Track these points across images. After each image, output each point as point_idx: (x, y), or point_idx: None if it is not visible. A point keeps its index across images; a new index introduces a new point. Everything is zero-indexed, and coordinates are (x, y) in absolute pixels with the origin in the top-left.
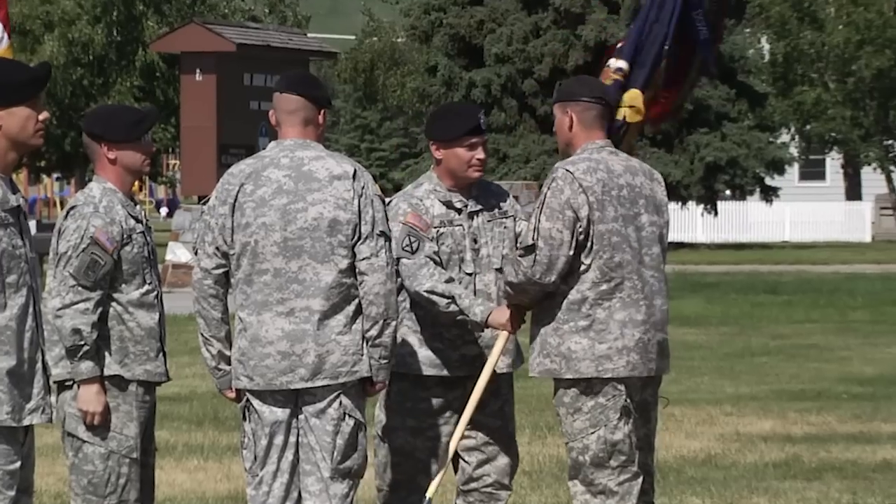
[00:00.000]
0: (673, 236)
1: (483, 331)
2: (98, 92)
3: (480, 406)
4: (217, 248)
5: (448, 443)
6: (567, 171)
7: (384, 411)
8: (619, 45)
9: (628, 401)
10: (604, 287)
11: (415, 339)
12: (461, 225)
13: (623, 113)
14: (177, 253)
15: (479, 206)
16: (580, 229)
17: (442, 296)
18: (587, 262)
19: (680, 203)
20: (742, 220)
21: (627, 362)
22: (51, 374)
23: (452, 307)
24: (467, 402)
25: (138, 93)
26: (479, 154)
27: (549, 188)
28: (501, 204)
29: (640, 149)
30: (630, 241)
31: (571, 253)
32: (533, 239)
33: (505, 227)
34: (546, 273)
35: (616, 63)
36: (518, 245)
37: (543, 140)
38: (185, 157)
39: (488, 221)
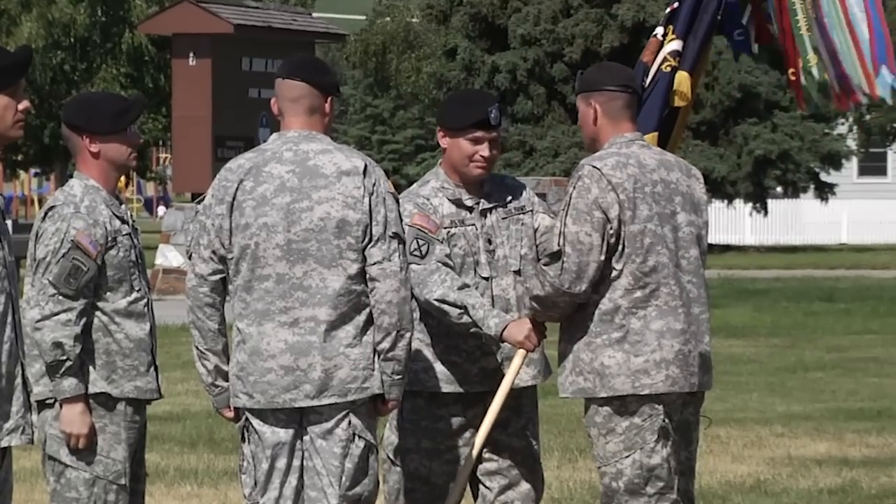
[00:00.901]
0: (718, 238)
1: (499, 345)
2: (80, 78)
3: (501, 425)
4: (213, 252)
5: (465, 467)
6: (593, 167)
7: (396, 432)
8: (671, 9)
9: (667, 421)
10: (638, 294)
11: (428, 353)
12: (473, 224)
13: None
14: (168, 256)
15: (493, 203)
16: (610, 231)
17: (454, 305)
18: (619, 267)
19: (726, 201)
20: (794, 220)
21: (667, 377)
22: (31, 391)
23: (465, 318)
24: None
25: (125, 79)
26: (484, 151)
27: (574, 187)
28: (517, 198)
29: (682, 141)
30: (666, 243)
31: (602, 258)
32: (559, 244)
33: (522, 224)
34: (576, 282)
35: (671, 45)
36: (541, 252)
37: (574, 131)
38: (176, 151)
39: (503, 219)
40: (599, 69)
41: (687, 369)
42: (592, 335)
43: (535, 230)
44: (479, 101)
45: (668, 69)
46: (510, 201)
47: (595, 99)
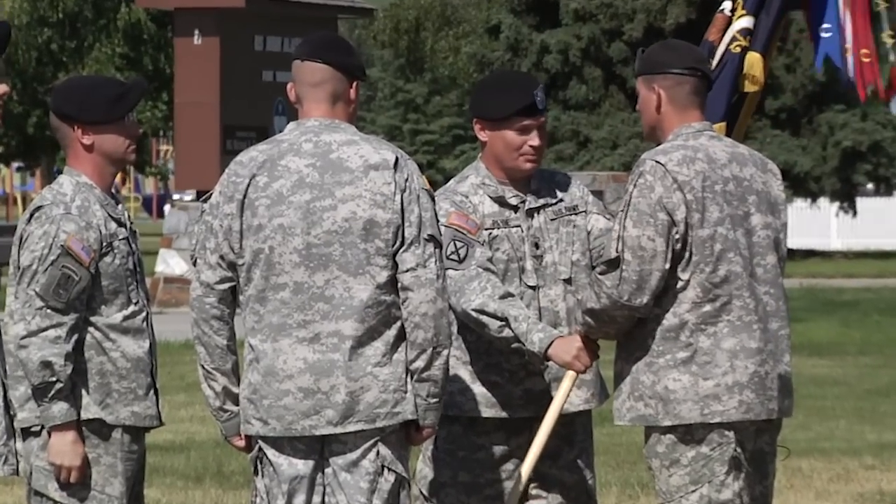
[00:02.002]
0: (800, 242)
1: (545, 363)
2: (70, 59)
3: (551, 456)
4: (221, 258)
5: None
6: (657, 162)
7: (430, 463)
8: None
9: (738, 450)
10: (707, 308)
11: (466, 373)
12: (518, 226)
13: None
14: (170, 263)
15: (541, 202)
16: (676, 236)
17: (494, 317)
18: (685, 277)
19: (809, 200)
20: (887, 221)
21: (740, 402)
22: (15, 415)
23: (506, 332)
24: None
25: (120, 60)
26: (533, 140)
27: (635, 185)
28: (567, 197)
29: (759, 131)
30: (740, 249)
31: (667, 266)
32: (617, 250)
33: (574, 226)
34: (636, 293)
35: (740, 21)
36: (596, 258)
37: (635, 120)
38: (179, 143)
39: (552, 220)
40: (664, 48)
41: (764, 394)
42: (654, 355)
43: (589, 233)
44: (520, 84)
45: (738, 50)
46: (560, 200)
47: (659, 83)
